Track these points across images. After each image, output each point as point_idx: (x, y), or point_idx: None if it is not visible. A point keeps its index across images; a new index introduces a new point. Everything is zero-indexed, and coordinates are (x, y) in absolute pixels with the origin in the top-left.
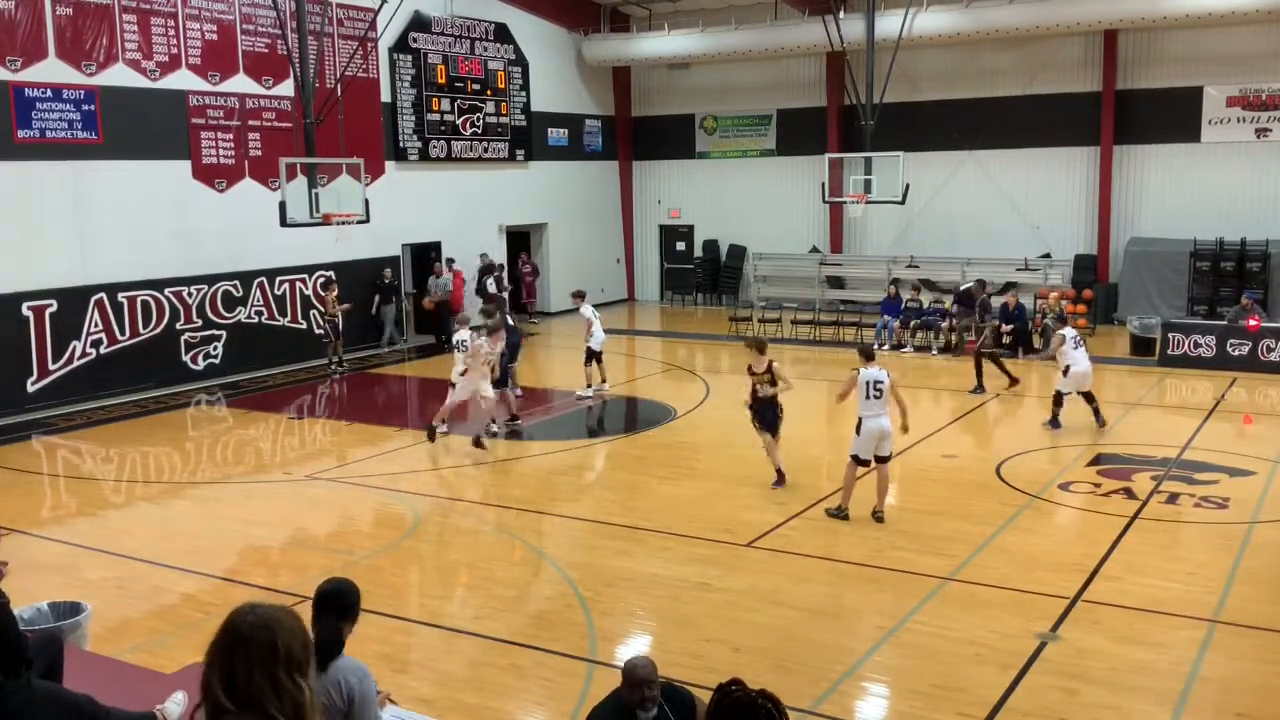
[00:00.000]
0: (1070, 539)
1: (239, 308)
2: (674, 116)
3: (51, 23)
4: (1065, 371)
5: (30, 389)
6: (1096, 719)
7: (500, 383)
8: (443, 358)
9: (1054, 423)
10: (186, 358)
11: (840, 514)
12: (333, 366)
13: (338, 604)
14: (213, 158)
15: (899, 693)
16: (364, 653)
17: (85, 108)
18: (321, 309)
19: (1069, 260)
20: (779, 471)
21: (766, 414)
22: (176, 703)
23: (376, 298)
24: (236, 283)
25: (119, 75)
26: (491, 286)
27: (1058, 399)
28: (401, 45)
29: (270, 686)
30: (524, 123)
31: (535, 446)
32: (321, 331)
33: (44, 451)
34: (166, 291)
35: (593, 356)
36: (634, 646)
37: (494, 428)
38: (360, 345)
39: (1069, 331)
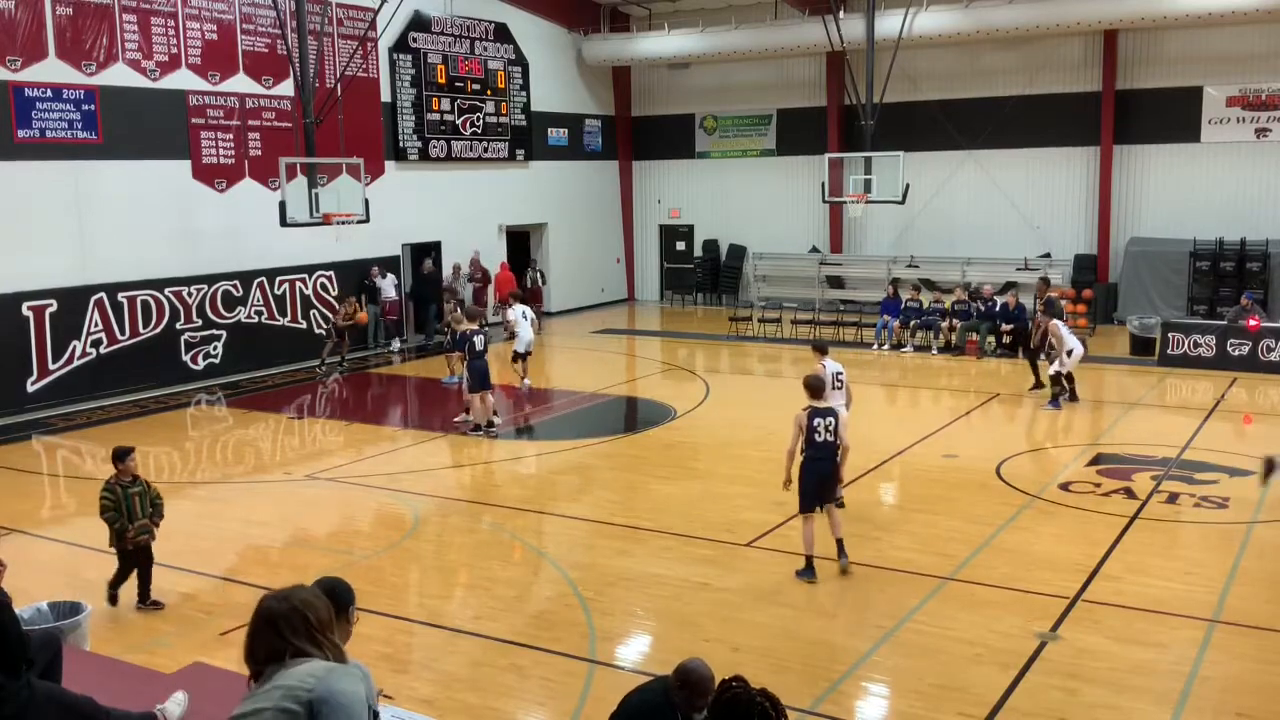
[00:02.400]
0: (1070, 539)
1: (239, 308)
2: (674, 116)
3: (51, 23)
4: (1069, 354)
5: (30, 389)
6: (1096, 719)
7: (483, 385)
8: (441, 358)
9: (1055, 403)
10: (186, 358)
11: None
12: (324, 368)
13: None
14: (213, 158)
15: (899, 693)
16: (364, 653)
17: (85, 108)
18: (331, 315)
19: (1069, 260)
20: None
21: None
22: (177, 703)
23: (362, 296)
24: (236, 283)
25: (119, 75)
26: (539, 280)
27: (1055, 379)
28: (401, 45)
29: (294, 643)
30: (524, 123)
31: (535, 446)
32: (324, 330)
33: (44, 451)
34: (166, 291)
35: (519, 357)
36: (634, 646)
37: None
38: (360, 346)
39: (1060, 322)
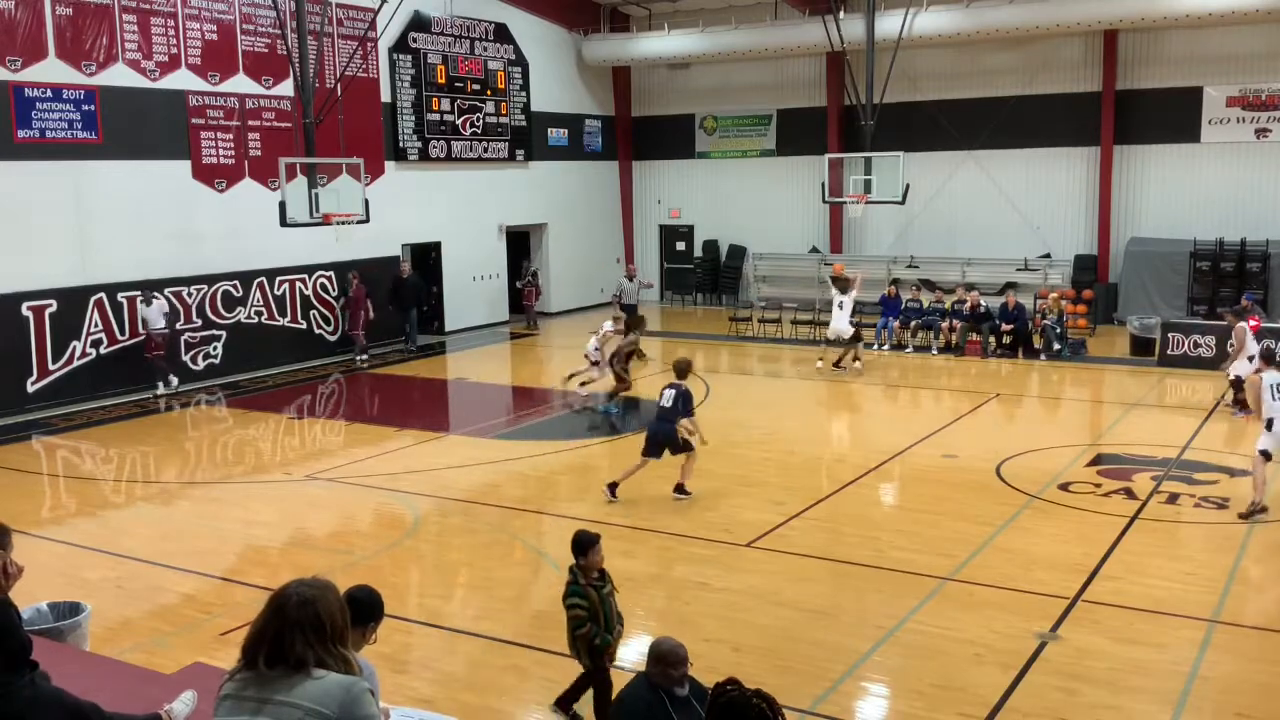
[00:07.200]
0: (1070, 539)
1: (239, 308)
2: (674, 116)
3: (51, 23)
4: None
5: (30, 389)
6: (1096, 719)
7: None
8: (441, 358)
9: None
10: (186, 358)
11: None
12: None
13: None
14: (213, 158)
15: (899, 693)
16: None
17: (85, 108)
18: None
19: (1069, 260)
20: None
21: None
22: (184, 702)
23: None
24: (236, 283)
25: (119, 75)
26: (532, 282)
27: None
28: (401, 45)
29: (311, 653)
30: (524, 123)
31: (535, 446)
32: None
33: (44, 451)
34: (166, 291)
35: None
36: (634, 646)
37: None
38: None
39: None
